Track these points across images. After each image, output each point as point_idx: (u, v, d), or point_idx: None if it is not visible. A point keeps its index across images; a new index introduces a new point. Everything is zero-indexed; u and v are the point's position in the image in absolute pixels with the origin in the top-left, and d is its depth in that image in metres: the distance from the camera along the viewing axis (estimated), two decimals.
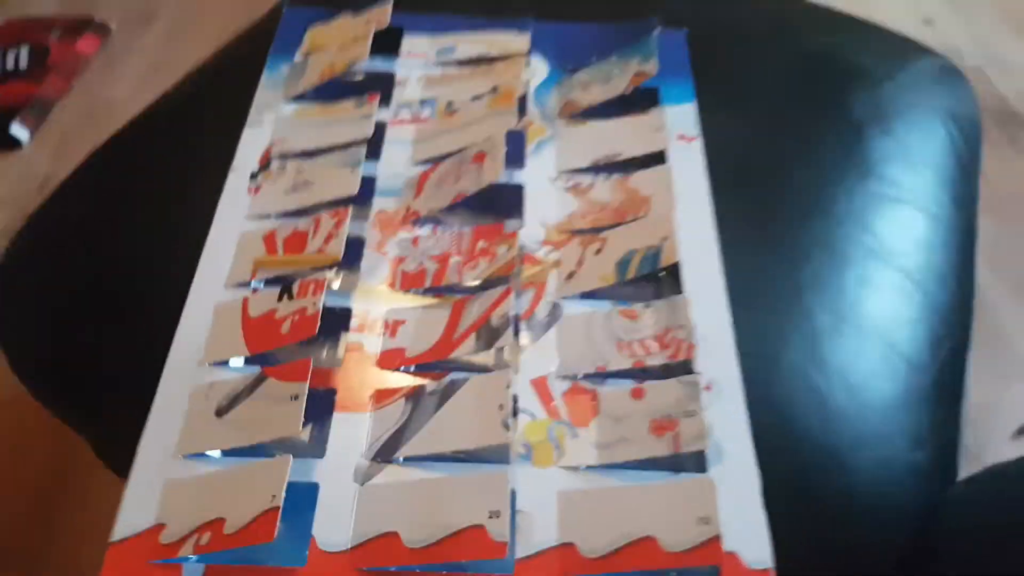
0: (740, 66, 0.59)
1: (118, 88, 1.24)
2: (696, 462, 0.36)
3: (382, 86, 0.52)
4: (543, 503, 0.35)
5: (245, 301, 0.41)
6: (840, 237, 0.50)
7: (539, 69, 0.55)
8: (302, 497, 0.34)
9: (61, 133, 1.16)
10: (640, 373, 0.39)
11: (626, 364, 0.39)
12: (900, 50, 0.64)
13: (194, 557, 0.32)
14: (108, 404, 0.44)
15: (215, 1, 1.40)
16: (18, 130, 1.13)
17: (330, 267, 0.42)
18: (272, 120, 0.50)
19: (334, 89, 0.52)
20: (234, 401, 0.37)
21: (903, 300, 0.49)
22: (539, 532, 0.34)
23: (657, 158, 0.48)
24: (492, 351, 0.40)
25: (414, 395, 0.38)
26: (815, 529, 0.41)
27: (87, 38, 1.28)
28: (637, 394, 0.38)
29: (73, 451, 0.78)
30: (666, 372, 0.39)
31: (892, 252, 0.50)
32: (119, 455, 0.47)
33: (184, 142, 0.53)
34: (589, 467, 0.36)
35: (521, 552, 0.34)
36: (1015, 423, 0.85)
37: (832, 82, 0.60)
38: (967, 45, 1.33)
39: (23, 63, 1.22)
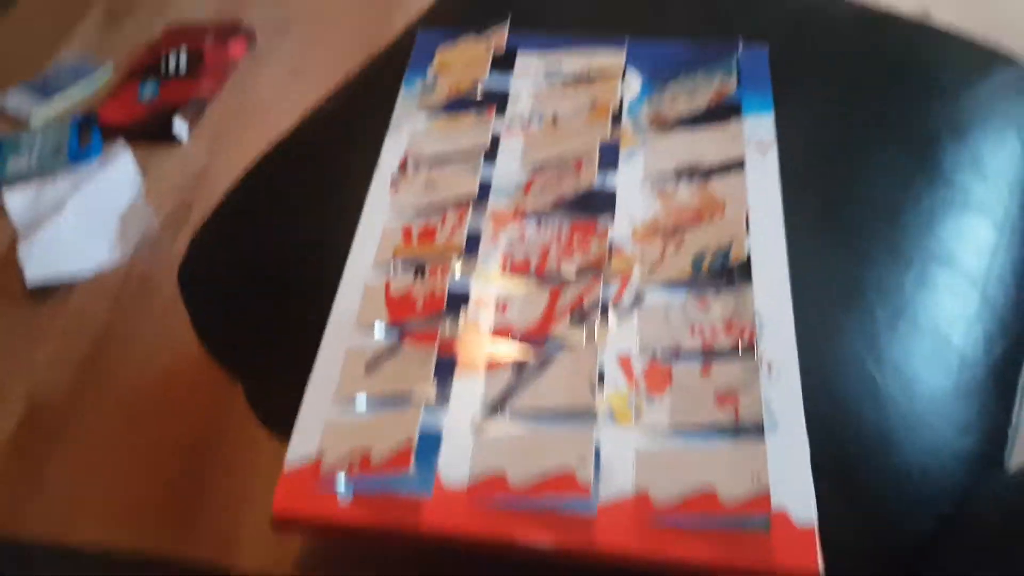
0: (819, 78, 0.64)
1: (263, 90, 1.37)
2: (753, 431, 0.43)
3: (498, 101, 0.61)
4: (623, 458, 0.43)
5: (387, 283, 0.50)
6: (904, 240, 0.55)
7: (633, 83, 0.62)
8: (430, 441, 0.43)
9: (214, 130, 1.30)
10: (708, 353, 0.46)
11: (696, 345, 0.47)
12: (982, 59, 0.67)
13: (346, 484, 0.42)
14: (276, 363, 0.55)
15: (343, 13, 1.52)
16: (179, 127, 1.27)
17: (454, 255, 0.51)
18: (409, 130, 0.60)
19: (459, 104, 0.61)
20: (379, 360, 0.46)
21: (960, 301, 0.53)
22: (618, 481, 0.42)
23: (735, 165, 0.55)
24: (584, 329, 0.48)
25: (520, 363, 0.47)
26: (859, 501, 0.46)
27: (236, 42, 1.42)
28: (705, 371, 0.46)
29: (226, 417, 0.90)
30: (731, 354, 0.46)
31: (953, 256, 0.55)
32: (278, 407, 0.59)
33: (336, 148, 0.63)
34: (662, 430, 0.44)
35: (603, 498, 0.41)
36: None
37: (909, 91, 0.63)
38: None
39: (183, 65, 1.37)
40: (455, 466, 0.43)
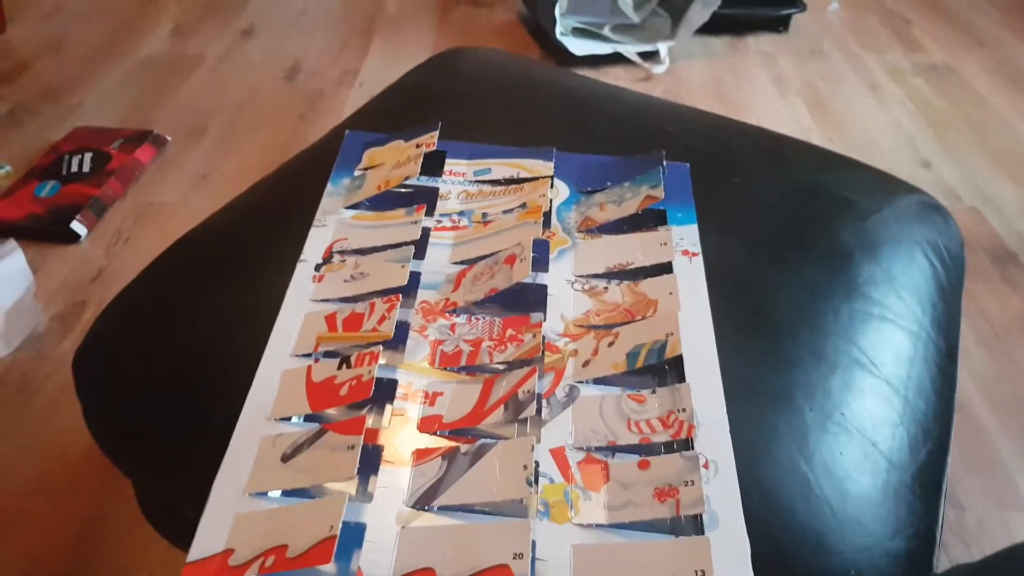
0: (738, 195, 0.67)
1: (168, 193, 1.35)
2: (694, 525, 0.42)
3: (428, 199, 0.61)
4: (559, 554, 0.40)
5: (309, 368, 0.47)
6: (827, 347, 0.56)
7: (561, 190, 0.63)
8: (352, 534, 0.40)
9: (115, 230, 1.26)
10: (646, 448, 0.45)
11: (634, 440, 0.45)
12: (887, 186, 0.73)
13: None
14: (176, 457, 0.50)
15: (260, 121, 1.54)
16: (78, 226, 1.22)
17: (381, 344, 0.48)
18: (335, 222, 0.58)
19: (387, 200, 0.61)
20: (298, 450, 0.43)
21: (885, 405, 0.55)
22: None
23: (664, 268, 0.56)
24: (516, 423, 0.46)
25: (449, 454, 0.44)
26: None
27: (145, 147, 1.40)
28: (643, 465, 0.44)
29: (110, 520, 0.84)
30: (668, 449, 0.45)
31: (875, 363, 0.57)
32: (172, 506, 0.53)
33: (257, 238, 0.61)
34: (599, 525, 0.42)
35: None
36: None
37: (822, 212, 0.68)
38: (963, 187, 1.44)
39: (86, 167, 1.34)
40: (379, 562, 0.39)
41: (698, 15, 1.75)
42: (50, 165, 1.34)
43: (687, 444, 0.45)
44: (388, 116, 0.75)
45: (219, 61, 1.77)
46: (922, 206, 0.73)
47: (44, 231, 1.22)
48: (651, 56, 1.76)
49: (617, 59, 1.75)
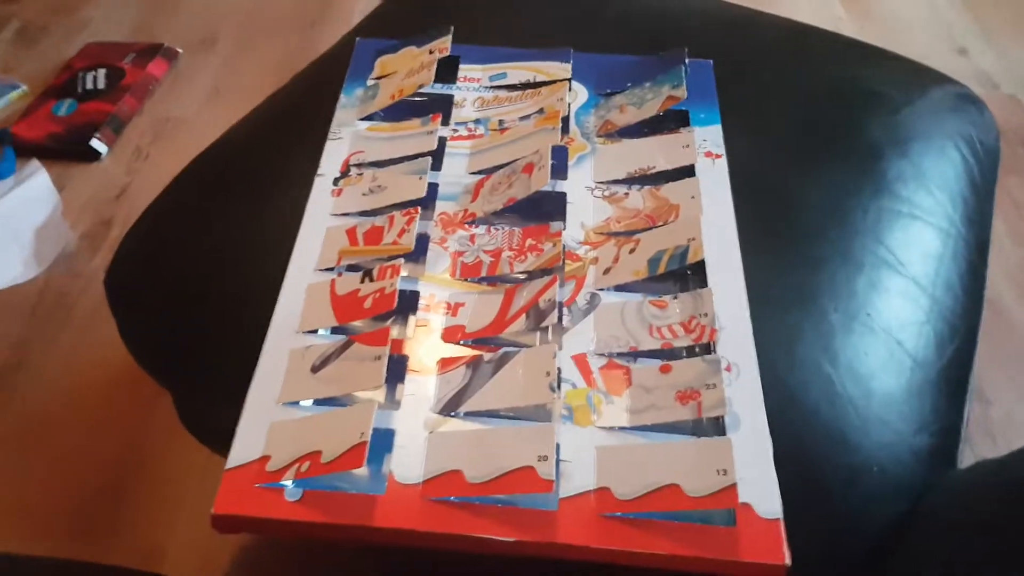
0: (764, 92, 0.65)
1: (184, 107, 1.34)
2: (715, 427, 0.42)
3: (443, 107, 0.60)
4: (583, 455, 0.41)
5: (333, 282, 0.48)
6: (854, 247, 0.56)
7: (579, 94, 0.62)
8: (382, 440, 0.41)
9: (134, 147, 1.26)
10: (667, 353, 0.45)
11: (655, 345, 0.45)
12: (919, 78, 0.70)
13: (294, 482, 0.39)
14: (209, 370, 0.52)
15: (269, 30, 1.51)
16: (98, 144, 1.22)
17: (402, 256, 0.48)
18: (350, 134, 0.58)
19: (402, 110, 0.59)
20: (326, 361, 0.43)
21: (911, 304, 0.54)
22: (579, 478, 0.40)
23: (686, 172, 0.55)
24: (538, 331, 0.46)
25: (473, 363, 0.44)
26: (820, 498, 0.46)
27: (157, 61, 1.38)
28: (665, 369, 0.44)
29: (150, 428, 0.87)
30: (690, 353, 0.45)
31: (902, 262, 0.56)
32: (210, 416, 0.55)
33: (274, 153, 0.60)
34: (622, 428, 0.42)
35: (564, 493, 0.40)
36: None
37: (852, 107, 0.65)
38: (1001, 74, 1.38)
39: (101, 84, 1.33)
40: (408, 465, 0.40)
41: None
42: (65, 83, 1.33)
43: (709, 348, 0.45)
44: (399, 21, 0.73)
45: None
46: (956, 97, 0.70)
47: (65, 150, 1.22)
48: None
49: None
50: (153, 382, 0.59)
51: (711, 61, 0.64)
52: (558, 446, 0.41)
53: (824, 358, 0.50)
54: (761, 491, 0.40)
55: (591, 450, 0.41)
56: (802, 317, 0.51)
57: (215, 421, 0.50)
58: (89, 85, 1.33)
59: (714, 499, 0.38)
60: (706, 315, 0.46)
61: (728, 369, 0.44)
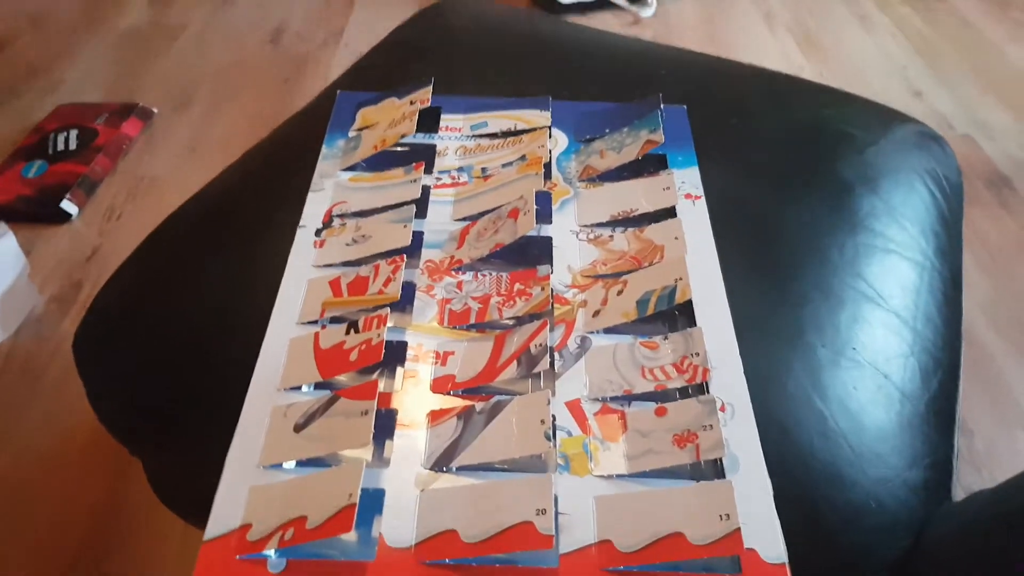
0: (736, 135, 0.66)
1: (158, 166, 1.34)
2: (714, 469, 0.42)
3: (425, 156, 0.60)
4: (582, 506, 0.40)
5: (316, 335, 0.47)
6: (835, 282, 0.56)
7: (560, 140, 0.62)
8: (371, 501, 0.39)
9: (107, 208, 1.25)
10: (661, 395, 0.45)
11: (649, 388, 0.45)
12: (882, 117, 0.72)
13: (277, 552, 0.37)
14: (183, 435, 0.50)
15: (246, 88, 1.52)
16: (68, 205, 1.21)
17: (388, 306, 0.48)
18: (332, 185, 0.57)
19: (384, 160, 0.59)
20: (310, 419, 0.42)
21: (894, 337, 0.55)
22: (579, 531, 0.39)
23: (668, 213, 0.55)
24: (530, 378, 0.45)
25: (465, 413, 0.43)
26: (821, 537, 0.45)
27: (131, 121, 1.38)
28: (661, 412, 0.44)
29: (122, 500, 0.84)
30: (684, 394, 0.45)
31: (882, 295, 0.56)
32: (184, 485, 0.53)
33: (253, 206, 0.59)
34: (620, 475, 0.42)
35: (564, 548, 0.39)
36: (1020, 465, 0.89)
37: (821, 147, 0.67)
38: (955, 114, 1.43)
39: (72, 144, 1.32)
40: (400, 526, 0.39)
41: None
42: (35, 144, 1.32)
43: (702, 388, 0.45)
44: (379, 74, 0.74)
45: (201, 29, 1.74)
46: (919, 135, 0.72)
47: (34, 212, 1.21)
48: (638, 0, 1.73)
49: (604, 5, 1.72)
50: (126, 450, 0.58)
51: (684, 107, 0.65)
52: (556, 498, 0.40)
53: (815, 393, 0.50)
54: (765, 535, 0.39)
55: (590, 501, 0.40)
56: (790, 353, 0.51)
57: (190, 491, 0.48)
58: (60, 146, 1.32)
59: (719, 546, 0.38)
60: (698, 355, 0.46)
61: (723, 409, 0.44)
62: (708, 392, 0.45)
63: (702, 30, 1.68)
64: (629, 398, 0.45)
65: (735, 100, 0.70)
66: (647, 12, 1.70)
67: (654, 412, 0.44)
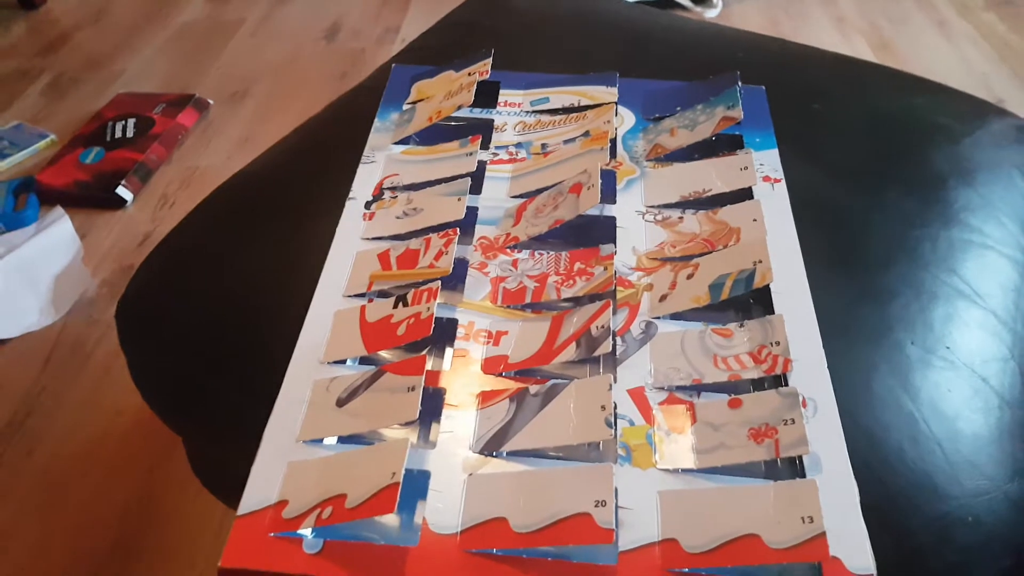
0: (818, 120, 0.62)
1: (212, 156, 1.34)
2: (791, 469, 0.37)
3: (482, 131, 0.57)
4: (644, 501, 0.36)
5: (363, 308, 0.44)
6: (926, 278, 0.51)
7: (626, 118, 0.58)
8: (415, 483, 0.36)
9: (160, 195, 1.25)
10: (735, 386, 0.41)
11: (722, 377, 0.41)
12: (977, 109, 0.67)
13: (313, 531, 0.34)
14: (223, 409, 0.47)
15: (301, 83, 1.51)
16: (123, 191, 1.21)
17: (439, 281, 0.44)
18: (384, 158, 0.55)
19: (438, 134, 0.56)
20: (353, 393, 0.39)
21: (992, 339, 0.49)
22: (641, 527, 0.35)
23: (744, 195, 0.51)
24: (590, 362, 0.42)
25: (518, 396, 0.40)
26: (908, 550, 0.40)
27: (188, 111, 1.38)
28: (734, 404, 0.39)
29: (163, 481, 0.83)
30: (759, 386, 0.41)
31: (979, 294, 0.51)
32: (223, 462, 0.50)
33: (302, 180, 0.57)
34: (687, 470, 0.37)
35: (624, 545, 0.35)
36: None
37: (910, 137, 0.62)
38: None
39: (130, 132, 1.33)
40: (445, 512, 0.35)
41: None
42: (94, 132, 1.34)
43: (781, 380, 0.41)
44: (436, 53, 0.71)
45: (258, 24, 1.75)
46: (1017, 129, 0.66)
47: (90, 197, 1.21)
48: (703, 0, 1.68)
49: (668, 4, 1.68)
50: (168, 433, 0.55)
51: (763, 87, 0.61)
52: (616, 490, 0.36)
53: (904, 394, 0.45)
54: (850, 543, 0.35)
55: (653, 495, 0.36)
56: (876, 350, 0.47)
57: (228, 468, 0.46)
58: (118, 134, 1.33)
59: (801, 551, 0.33)
60: (778, 344, 0.41)
61: (804, 404, 0.40)
62: (787, 384, 0.40)
63: (770, 32, 1.62)
64: (698, 388, 0.41)
65: (816, 85, 0.66)
66: (712, 12, 1.65)
67: (727, 404, 0.40)
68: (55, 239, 1.10)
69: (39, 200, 1.19)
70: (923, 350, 0.47)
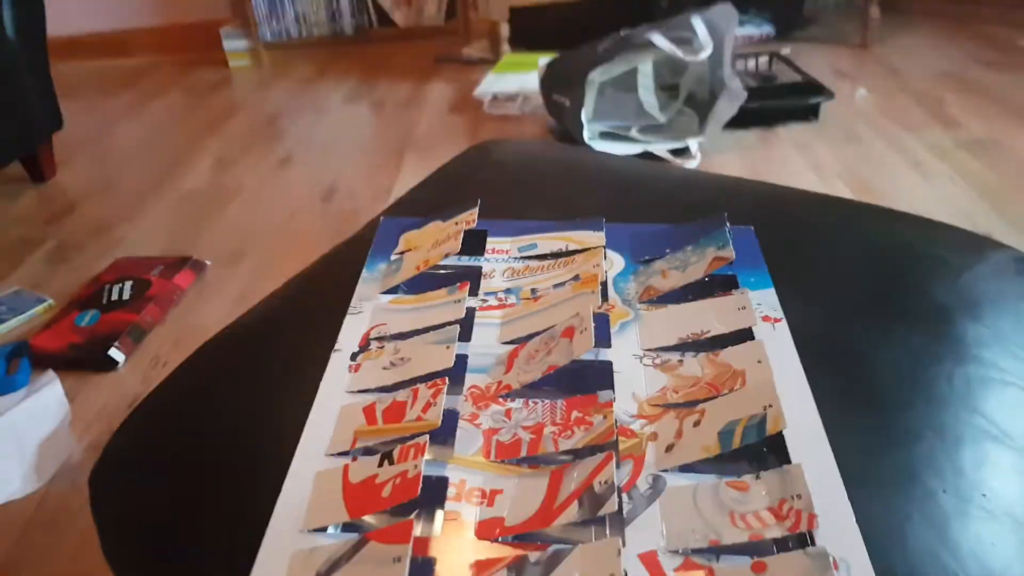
0: (811, 258, 0.61)
1: (207, 316, 1.33)
2: None
3: (470, 278, 0.55)
4: None
5: (346, 468, 0.40)
6: (948, 418, 0.48)
7: (615, 262, 0.57)
8: None
9: (152, 356, 1.23)
10: (757, 547, 0.37)
11: (741, 538, 0.37)
12: (974, 243, 0.66)
13: None
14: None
15: (298, 242, 1.54)
16: (115, 353, 1.20)
17: (428, 435, 0.41)
18: (371, 308, 0.53)
19: (427, 282, 0.55)
20: (335, 566, 0.35)
21: None
22: None
23: (745, 335, 0.49)
24: (594, 524, 0.38)
25: (516, 565, 0.36)
26: None
27: (185, 273, 1.39)
28: (759, 568, 0.35)
29: None
30: (782, 546, 0.37)
31: (1007, 434, 0.48)
32: None
33: (287, 333, 0.55)
34: None
35: None
36: None
37: (909, 272, 0.60)
38: None
39: (126, 295, 1.33)
40: None
41: (725, 110, 1.73)
42: (91, 295, 1.34)
43: (806, 539, 0.37)
44: (426, 205, 0.71)
45: (258, 189, 1.80)
46: (1016, 261, 0.65)
47: (83, 359, 1.20)
48: (682, 152, 1.74)
49: (646, 156, 1.74)
50: None
51: (751, 227, 0.60)
52: None
53: (944, 550, 0.41)
54: None
55: None
56: (906, 500, 0.43)
57: None
58: (114, 296, 1.33)
59: None
60: (799, 497, 0.38)
61: (835, 566, 0.35)
62: (813, 543, 0.36)
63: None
64: (717, 550, 0.37)
65: (805, 224, 0.65)
66: (692, 164, 1.71)
67: (750, 568, 0.35)
68: (44, 403, 1.08)
69: (31, 364, 1.17)
70: (957, 498, 0.43)
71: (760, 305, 0.52)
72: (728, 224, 0.57)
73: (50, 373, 1.14)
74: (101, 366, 1.20)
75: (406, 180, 1.76)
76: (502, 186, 0.71)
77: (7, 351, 1.20)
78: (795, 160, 1.74)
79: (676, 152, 1.74)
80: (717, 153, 1.77)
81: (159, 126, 2.29)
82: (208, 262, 1.46)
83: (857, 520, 0.38)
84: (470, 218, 0.59)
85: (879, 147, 1.78)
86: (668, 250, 0.57)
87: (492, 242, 0.59)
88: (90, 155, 2.07)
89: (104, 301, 1.32)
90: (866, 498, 0.40)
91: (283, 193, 1.77)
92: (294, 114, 2.28)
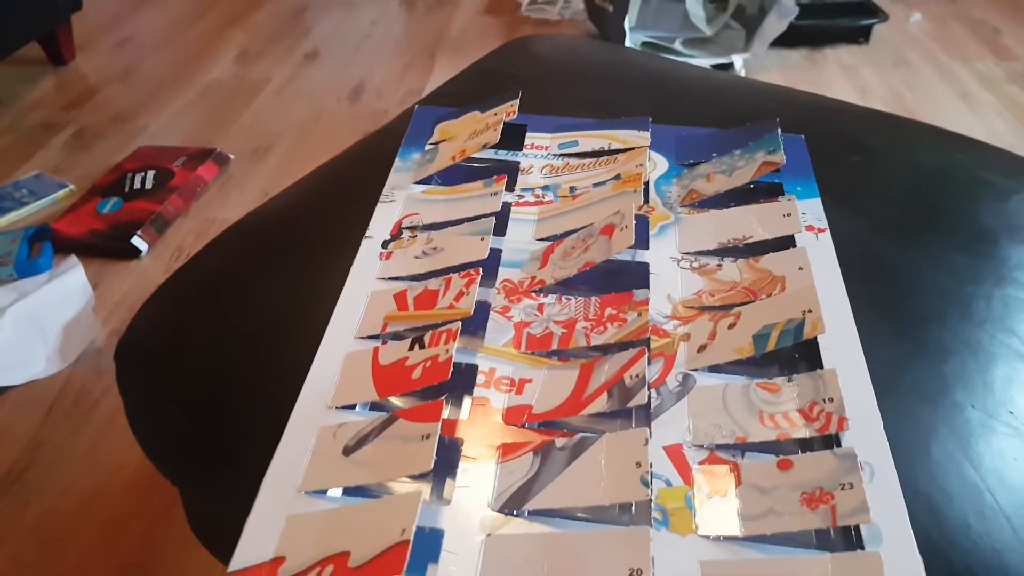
0: (860, 173, 0.59)
1: (230, 210, 1.33)
2: (846, 540, 0.33)
3: (508, 172, 0.54)
4: (684, 571, 0.32)
5: (376, 350, 0.40)
6: (983, 337, 0.47)
7: (659, 164, 0.56)
8: (426, 543, 0.32)
9: (176, 247, 1.23)
10: (784, 446, 0.37)
11: (769, 436, 0.37)
12: (1019, 165, 0.64)
13: None
14: (225, 459, 0.44)
15: (323, 141, 1.52)
16: (138, 242, 1.20)
17: (459, 322, 0.41)
18: (404, 197, 0.52)
19: (461, 174, 0.54)
20: (362, 441, 0.35)
21: None
22: None
23: (787, 243, 0.48)
24: (622, 415, 0.38)
25: (542, 449, 0.36)
26: None
27: (208, 165, 1.38)
28: (784, 465, 0.35)
29: (162, 541, 0.78)
30: (808, 446, 0.37)
31: None
32: (221, 517, 0.46)
33: (317, 219, 0.55)
34: (731, 537, 0.33)
35: None
36: None
37: (957, 193, 0.59)
38: None
39: (149, 184, 1.32)
40: (459, 575, 0.31)
41: (774, 27, 1.66)
42: (113, 183, 1.33)
43: (833, 440, 0.37)
44: (462, 97, 0.69)
45: (283, 84, 1.76)
46: None
47: (105, 247, 1.20)
48: (725, 69, 1.69)
49: None
50: (171, 488, 0.52)
51: (803, 136, 0.58)
52: (652, 559, 0.32)
53: (967, 461, 0.41)
54: None
55: (694, 565, 0.32)
56: (934, 412, 0.43)
57: (224, 520, 0.42)
58: (137, 185, 1.32)
59: None
60: (831, 400, 0.37)
61: (860, 468, 0.35)
62: (841, 445, 0.36)
63: None
64: (743, 447, 0.37)
65: (855, 137, 0.63)
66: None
67: (775, 465, 0.36)
68: (67, 287, 1.09)
69: (53, 248, 1.18)
70: (984, 414, 0.43)
71: (805, 214, 0.51)
72: (779, 131, 0.56)
73: (73, 258, 1.14)
74: (124, 254, 1.20)
75: (437, 81, 1.72)
76: (541, 82, 0.69)
77: (29, 234, 1.20)
78: (840, 83, 1.69)
79: (719, 68, 1.68)
80: (761, 72, 1.71)
81: (182, 14, 2.23)
82: (231, 156, 1.45)
83: (884, 427, 0.38)
84: (511, 109, 0.57)
85: (927, 74, 1.71)
86: (714, 154, 0.56)
87: (531, 137, 0.58)
88: (110, 40, 2.03)
89: (126, 189, 1.31)
90: (895, 407, 0.40)
91: (309, 89, 1.73)
92: (320, 8, 2.21)
